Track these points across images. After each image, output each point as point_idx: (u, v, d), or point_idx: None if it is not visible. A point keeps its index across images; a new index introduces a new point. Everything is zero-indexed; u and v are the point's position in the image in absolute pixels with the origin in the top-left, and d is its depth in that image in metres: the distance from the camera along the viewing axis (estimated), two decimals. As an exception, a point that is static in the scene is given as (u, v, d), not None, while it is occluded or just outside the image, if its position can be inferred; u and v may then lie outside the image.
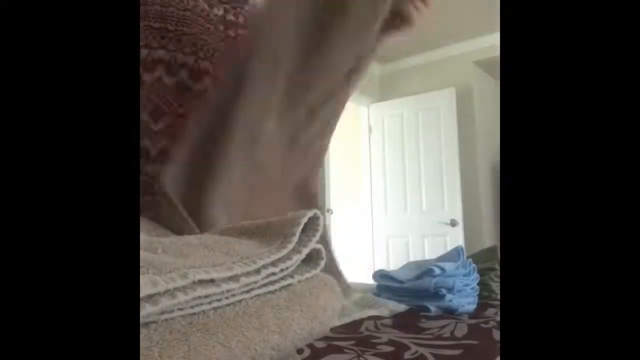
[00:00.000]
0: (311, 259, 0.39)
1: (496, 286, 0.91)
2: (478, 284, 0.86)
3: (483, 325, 0.63)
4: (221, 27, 0.76)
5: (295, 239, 0.36)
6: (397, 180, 3.62)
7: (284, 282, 0.35)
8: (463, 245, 0.97)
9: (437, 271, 0.81)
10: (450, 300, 0.77)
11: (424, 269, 0.83)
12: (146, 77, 0.70)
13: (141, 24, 0.70)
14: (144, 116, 0.69)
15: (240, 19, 0.79)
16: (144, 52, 0.70)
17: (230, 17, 0.78)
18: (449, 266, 0.82)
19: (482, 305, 0.84)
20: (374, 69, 3.89)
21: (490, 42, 3.39)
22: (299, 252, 0.36)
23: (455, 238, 3.26)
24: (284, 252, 0.35)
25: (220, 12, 0.77)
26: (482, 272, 0.90)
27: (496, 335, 0.56)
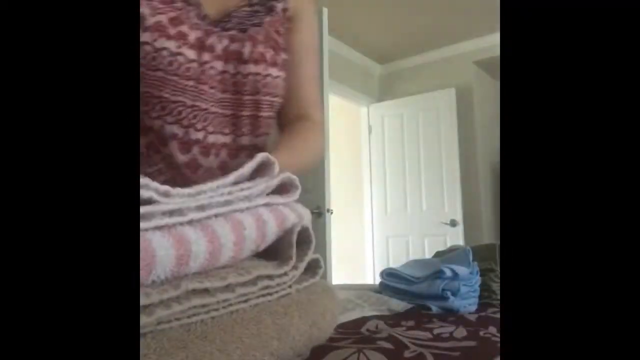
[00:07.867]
0: (309, 268, 0.39)
1: (496, 287, 0.91)
2: (479, 286, 0.86)
3: (483, 326, 0.62)
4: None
5: (292, 262, 0.36)
6: (397, 180, 3.62)
7: (282, 293, 0.35)
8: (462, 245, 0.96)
9: (448, 273, 0.81)
10: (453, 302, 0.78)
11: (435, 269, 0.83)
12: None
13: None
14: None
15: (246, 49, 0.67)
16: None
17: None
18: (462, 271, 0.82)
19: (483, 305, 0.84)
20: (374, 69, 3.89)
21: (490, 42, 3.38)
22: (296, 268, 0.36)
23: (455, 238, 3.26)
24: (280, 272, 0.35)
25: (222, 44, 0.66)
26: (482, 273, 0.90)
27: (496, 335, 0.55)
